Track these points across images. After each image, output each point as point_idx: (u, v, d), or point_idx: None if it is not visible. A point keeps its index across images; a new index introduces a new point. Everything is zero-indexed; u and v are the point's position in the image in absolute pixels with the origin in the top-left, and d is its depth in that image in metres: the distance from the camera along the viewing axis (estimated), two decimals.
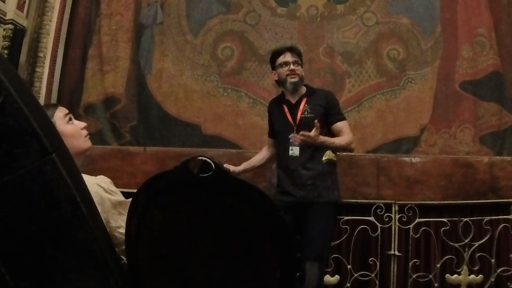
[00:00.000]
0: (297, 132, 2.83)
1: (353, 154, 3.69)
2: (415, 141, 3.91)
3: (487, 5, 3.93)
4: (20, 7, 3.77)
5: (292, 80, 2.94)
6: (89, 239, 1.02)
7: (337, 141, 2.91)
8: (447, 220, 3.43)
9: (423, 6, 4.03)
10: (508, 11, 3.92)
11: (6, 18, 3.66)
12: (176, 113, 3.98)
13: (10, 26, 3.67)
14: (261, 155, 3.20)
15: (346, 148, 2.98)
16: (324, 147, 2.88)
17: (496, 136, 3.84)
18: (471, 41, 3.93)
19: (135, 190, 1.23)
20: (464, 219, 3.43)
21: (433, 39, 3.99)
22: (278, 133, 3.01)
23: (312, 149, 2.86)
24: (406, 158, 3.63)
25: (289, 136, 2.89)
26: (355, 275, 3.42)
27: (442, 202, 3.47)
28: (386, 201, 3.44)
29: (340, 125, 2.96)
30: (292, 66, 2.94)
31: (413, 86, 3.97)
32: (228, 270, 1.21)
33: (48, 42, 3.89)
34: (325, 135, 2.88)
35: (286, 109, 2.96)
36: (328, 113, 2.94)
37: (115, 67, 4.02)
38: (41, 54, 3.85)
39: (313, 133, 2.77)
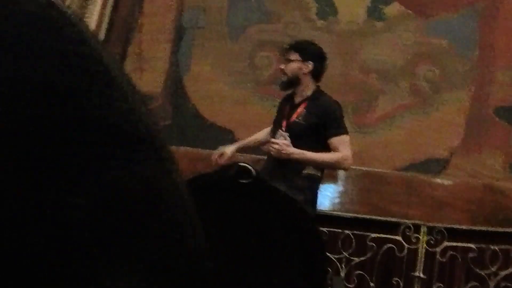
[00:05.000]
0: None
1: (382, 171, 3.71)
2: (444, 163, 3.89)
3: None
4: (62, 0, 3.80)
5: (282, 79, 2.87)
6: None
7: (318, 157, 2.61)
8: (475, 246, 3.41)
9: (462, 29, 4.01)
10: None
11: None
12: (210, 117, 3.99)
13: None
14: (258, 136, 3.07)
15: (333, 165, 2.70)
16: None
17: None
18: (508, 67, 3.92)
19: None
20: (492, 247, 3.41)
21: (470, 63, 3.98)
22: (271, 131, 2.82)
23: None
24: (438, 180, 3.63)
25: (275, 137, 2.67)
26: None
27: (472, 227, 3.45)
28: (415, 221, 3.43)
29: (334, 141, 2.64)
30: (280, 66, 2.87)
31: (445, 108, 3.95)
32: (255, 277, 1.21)
33: None
34: (319, 151, 2.63)
35: (288, 108, 2.79)
36: (324, 126, 2.67)
37: (154, 66, 4.05)
38: None
39: (279, 146, 2.56)
